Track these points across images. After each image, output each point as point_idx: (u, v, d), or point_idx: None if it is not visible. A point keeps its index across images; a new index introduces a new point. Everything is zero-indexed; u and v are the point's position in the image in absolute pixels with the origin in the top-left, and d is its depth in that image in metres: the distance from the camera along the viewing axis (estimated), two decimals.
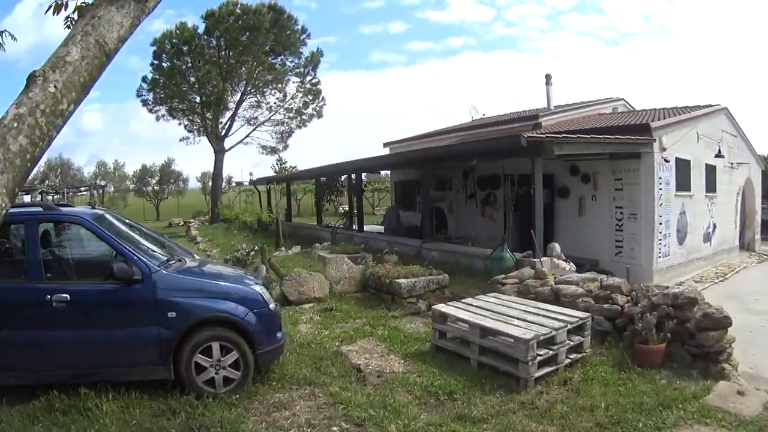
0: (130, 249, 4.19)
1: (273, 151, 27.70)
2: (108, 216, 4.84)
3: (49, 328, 3.99)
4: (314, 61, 25.37)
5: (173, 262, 4.61)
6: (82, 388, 3.97)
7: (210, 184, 29.55)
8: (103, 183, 33.83)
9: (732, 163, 14.23)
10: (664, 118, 11.06)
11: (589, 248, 10.88)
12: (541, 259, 7.73)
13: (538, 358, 4.39)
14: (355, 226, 14.49)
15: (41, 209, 4.50)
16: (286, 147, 28.02)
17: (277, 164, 31.27)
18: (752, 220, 16.18)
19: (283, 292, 7.34)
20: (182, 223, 26.11)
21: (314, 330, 6.12)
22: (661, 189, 10.25)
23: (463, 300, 5.74)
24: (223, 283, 4.50)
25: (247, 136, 26.78)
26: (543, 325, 4.65)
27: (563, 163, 11.30)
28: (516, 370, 4.42)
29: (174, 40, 24.57)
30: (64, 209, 4.61)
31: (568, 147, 8.14)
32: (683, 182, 11.23)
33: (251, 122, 26.46)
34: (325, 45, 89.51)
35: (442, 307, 5.43)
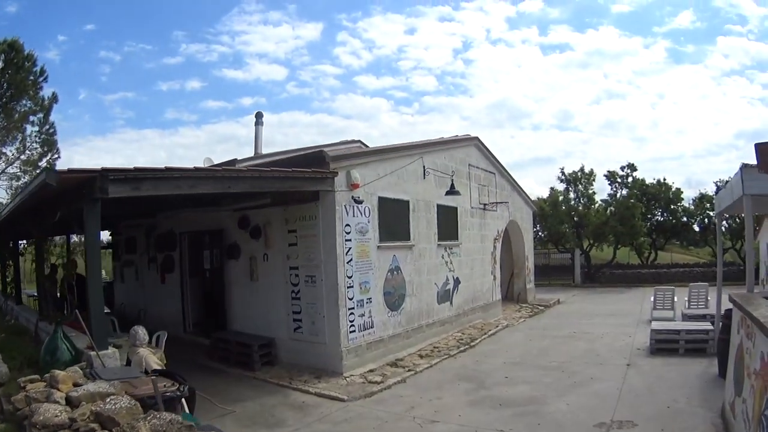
0: None
1: None
2: None
3: None
4: (47, 107, 21.31)
5: None
6: None
7: None
8: None
9: (485, 204, 12.51)
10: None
11: (264, 322, 7.98)
12: (101, 353, 4.88)
13: None
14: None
15: None
16: None
17: None
18: (522, 267, 14.72)
19: None
20: None
21: None
22: (349, 240, 7.62)
23: None
24: None
25: None
26: None
27: (233, 215, 8.33)
28: None
29: None
30: None
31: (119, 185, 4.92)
32: (396, 229, 8.82)
33: None
34: (124, 101, 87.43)
35: None
